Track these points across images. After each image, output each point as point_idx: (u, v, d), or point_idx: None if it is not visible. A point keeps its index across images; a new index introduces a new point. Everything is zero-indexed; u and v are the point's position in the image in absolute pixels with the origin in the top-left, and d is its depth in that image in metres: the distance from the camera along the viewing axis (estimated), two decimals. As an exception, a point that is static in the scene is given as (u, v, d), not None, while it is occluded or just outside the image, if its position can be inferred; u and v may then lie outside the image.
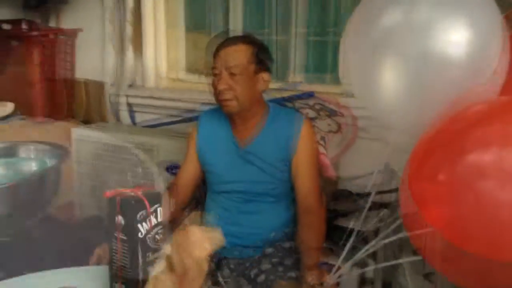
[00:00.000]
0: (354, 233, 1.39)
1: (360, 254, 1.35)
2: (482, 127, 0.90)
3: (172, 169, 2.16)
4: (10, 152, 1.87)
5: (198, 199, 1.82)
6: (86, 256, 1.46)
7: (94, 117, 2.79)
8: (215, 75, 1.53)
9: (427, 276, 1.88)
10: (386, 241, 1.30)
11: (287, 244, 1.58)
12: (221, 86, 1.49)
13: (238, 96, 1.50)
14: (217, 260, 1.60)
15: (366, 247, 1.37)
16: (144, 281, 1.14)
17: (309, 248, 1.40)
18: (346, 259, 1.33)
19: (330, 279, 1.26)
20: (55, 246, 1.81)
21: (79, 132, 2.44)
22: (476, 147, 0.88)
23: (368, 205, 1.38)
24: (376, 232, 1.90)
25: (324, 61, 2.46)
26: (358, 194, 2.16)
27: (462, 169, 0.88)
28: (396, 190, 2.11)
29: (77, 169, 2.44)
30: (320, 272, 1.28)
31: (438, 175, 0.92)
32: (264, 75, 1.55)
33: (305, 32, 2.41)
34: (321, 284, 1.25)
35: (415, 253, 2.01)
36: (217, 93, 1.52)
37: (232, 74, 1.49)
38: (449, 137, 0.94)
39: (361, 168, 2.22)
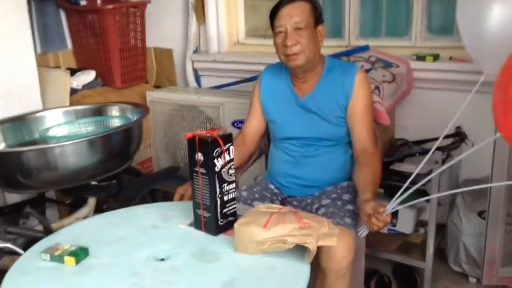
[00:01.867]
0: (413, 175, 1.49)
1: (413, 189, 1.46)
2: None
3: (238, 123, 2.37)
4: (99, 112, 2.16)
5: (262, 148, 2.02)
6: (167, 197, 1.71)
7: (164, 81, 3.05)
8: (279, 33, 1.66)
9: (481, 213, 1.98)
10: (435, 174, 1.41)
11: (345, 183, 1.74)
12: (290, 42, 1.63)
13: (305, 49, 1.64)
14: (282, 198, 1.79)
15: (419, 183, 1.48)
16: (222, 207, 1.36)
17: (365, 184, 1.53)
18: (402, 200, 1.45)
19: (386, 210, 1.39)
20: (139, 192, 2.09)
21: (152, 95, 2.69)
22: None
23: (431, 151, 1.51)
24: (428, 174, 2.01)
25: (377, 15, 2.53)
26: (413, 142, 2.27)
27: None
28: (449, 136, 2.20)
29: (152, 128, 2.71)
30: (377, 204, 1.41)
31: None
32: (321, 28, 1.69)
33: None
34: (379, 213, 1.38)
35: (470, 193, 2.10)
36: (284, 49, 1.65)
37: (297, 29, 1.63)
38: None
39: (416, 117, 2.32)
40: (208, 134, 1.36)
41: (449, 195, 2.28)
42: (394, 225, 2.26)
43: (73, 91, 2.59)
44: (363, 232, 1.51)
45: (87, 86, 2.68)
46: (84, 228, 1.47)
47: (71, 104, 2.39)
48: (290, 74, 1.77)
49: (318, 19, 1.68)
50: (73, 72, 2.72)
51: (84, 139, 1.73)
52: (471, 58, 1.65)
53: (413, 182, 2.10)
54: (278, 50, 1.69)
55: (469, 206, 2.04)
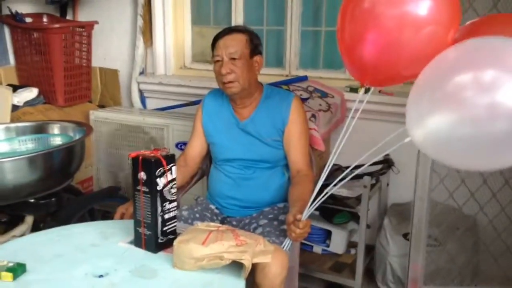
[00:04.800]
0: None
1: (325, 194, 1.55)
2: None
3: (181, 145, 2.42)
4: (40, 129, 2.14)
5: (204, 170, 2.08)
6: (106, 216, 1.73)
7: (108, 101, 3.06)
8: (217, 61, 1.78)
9: (405, 235, 2.14)
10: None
11: (281, 204, 1.84)
12: (224, 71, 1.75)
13: (239, 78, 1.75)
14: (221, 218, 1.86)
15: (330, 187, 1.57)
16: (162, 225, 1.41)
17: (295, 201, 1.64)
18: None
19: (303, 215, 1.50)
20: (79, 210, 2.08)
21: (96, 114, 2.70)
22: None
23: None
24: (358, 197, 2.16)
25: (316, 48, 2.72)
26: (347, 167, 2.42)
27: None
28: (378, 162, 2.37)
29: (94, 148, 2.71)
30: (296, 211, 1.52)
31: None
32: (258, 58, 1.82)
33: (298, 24, 2.67)
34: (297, 220, 1.49)
35: (396, 216, 2.27)
36: (220, 77, 1.77)
37: (232, 59, 1.75)
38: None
39: (350, 144, 2.48)
40: (152, 154, 1.42)
41: (377, 218, 2.45)
42: (328, 246, 2.38)
43: (14, 108, 2.55)
44: (287, 244, 1.59)
45: (28, 103, 2.64)
46: (21, 245, 1.46)
47: (12, 121, 2.35)
48: (230, 99, 1.87)
49: (254, 50, 1.80)
50: (15, 88, 2.68)
51: (23, 156, 1.72)
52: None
53: (344, 204, 2.25)
54: (217, 78, 1.80)
55: (395, 228, 2.20)
